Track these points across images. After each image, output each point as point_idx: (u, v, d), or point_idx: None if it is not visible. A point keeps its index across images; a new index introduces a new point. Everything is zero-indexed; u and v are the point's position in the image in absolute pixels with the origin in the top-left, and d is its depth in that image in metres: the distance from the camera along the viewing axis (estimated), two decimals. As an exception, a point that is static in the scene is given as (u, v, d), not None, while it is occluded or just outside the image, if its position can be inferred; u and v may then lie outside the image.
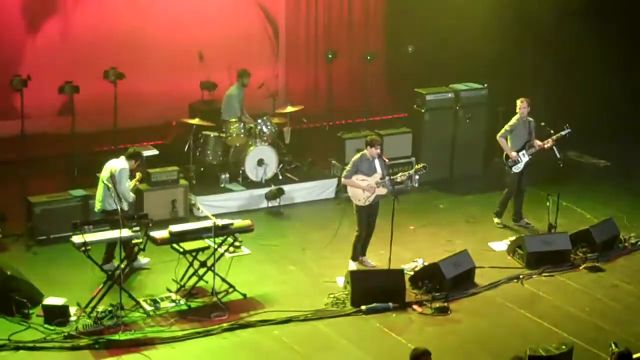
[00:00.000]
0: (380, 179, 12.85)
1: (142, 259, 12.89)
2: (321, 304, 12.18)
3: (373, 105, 18.67)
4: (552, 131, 14.48)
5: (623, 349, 9.34)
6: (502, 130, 14.58)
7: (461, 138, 16.92)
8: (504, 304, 12.50)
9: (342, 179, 13.15)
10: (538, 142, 14.51)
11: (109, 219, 12.08)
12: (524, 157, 14.52)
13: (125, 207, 12.51)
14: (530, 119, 14.58)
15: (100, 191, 12.63)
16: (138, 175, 12.96)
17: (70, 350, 10.91)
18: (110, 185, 12.30)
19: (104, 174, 12.54)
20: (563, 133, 14.49)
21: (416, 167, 13.72)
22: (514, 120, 14.56)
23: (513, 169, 14.56)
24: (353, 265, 13.14)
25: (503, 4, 17.43)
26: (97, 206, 12.62)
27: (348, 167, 13.01)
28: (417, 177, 15.86)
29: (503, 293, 12.79)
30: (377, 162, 12.91)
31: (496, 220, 14.89)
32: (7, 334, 11.08)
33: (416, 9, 18.53)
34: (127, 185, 12.52)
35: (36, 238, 13.55)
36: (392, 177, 12.88)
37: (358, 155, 13.03)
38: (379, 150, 12.86)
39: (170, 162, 14.82)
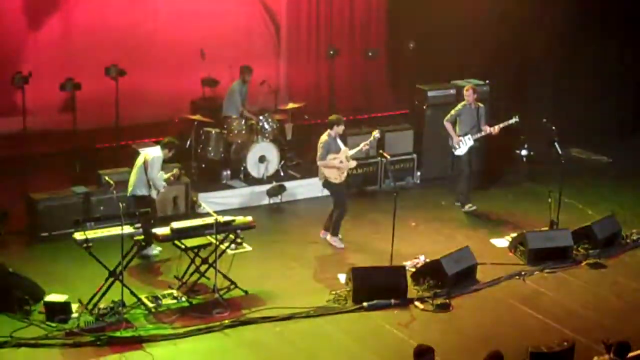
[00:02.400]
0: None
1: (156, 248, 13.07)
2: (323, 300, 12.18)
3: (374, 102, 18.67)
4: (553, 128, 14.52)
5: (623, 339, 9.40)
6: (449, 115, 15.07)
7: (463, 134, 16.93)
8: (506, 300, 12.50)
9: (318, 162, 13.57)
10: (487, 128, 14.94)
11: (110, 216, 12.06)
12: (469, 141, 14.95)
13: (154, 195, 12.96)
14: (481, 105, 15.05)
15: (132, 177, 12.97)
16: (175, 170, 13.37)
17: (72, 347, 10.91)
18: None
19: (138, 161, 12.91)
20: (511, 121, 14.92)
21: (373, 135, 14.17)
22: (459, 105, 15.06)
23: (456, 152, 14.99)
24: (335, 240, 13.66)
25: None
26: (128, 191, 12.99)
27: (320, 151, 13.51)
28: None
29: (505, 290, 12.80)
30: (338, 140, 13.63)
31: (467, 207, 15.13)
32: (8, 330, 11.07)
33: (417, 5, 18.51)
34: (159, 175, 12.89)
35: (38, 235, 13.56)
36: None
37: (324, 137, 13.56)
38: (343, 126, 13.66)
39: (172, 159, 14.80)
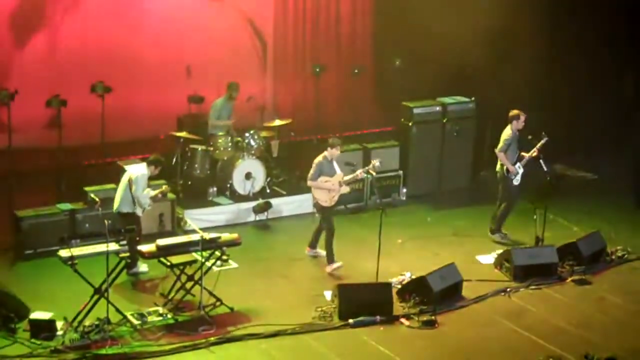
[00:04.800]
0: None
1: (142, 266, 13.07)
2: (309, 317, 12.17)
3: (361, 119, 18.68)
4: (539, 144, 14.53)
5: (610, 355, 9.42)
6: (501, 145, 14.64)
7: (449, 151, 16.98)
8: (492, 317, 12.51)
9: (309, 182, 13.52)
10: (524, 154, 14.63)
11: (96, 233, 12.07)
12: (520, 169, 14.65)
13: (139, 212, 12.96)
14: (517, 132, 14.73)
15: (118, 195, 13.01)
16: (164, 187, 13.42)
17: (57, 364, 10.90)
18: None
19: (124, 179, 12.95)
20: (543, 141, 14.55)
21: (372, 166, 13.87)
22: (508, 133, 14.63)
23: (514, 182, 14.64)
24: (333, 267, 13.54)
25: (491, 16, 17.49)
26: (114, 208, 13.03)
27: (312, 171, 13.44)
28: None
29: (490, 306, 12.82)
30: (335, 164, 13.52)
31: (497, 235, 14.84)
32: (-7, 348, 11.06)
33: (403, 22, 18.56)
34: (145, 192, 12.90)
35: (23, 252, 13.51)
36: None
37: (320, 158, 13.50)
38: (339, 151, 13.51)
39: (157, 176, 14.80)
